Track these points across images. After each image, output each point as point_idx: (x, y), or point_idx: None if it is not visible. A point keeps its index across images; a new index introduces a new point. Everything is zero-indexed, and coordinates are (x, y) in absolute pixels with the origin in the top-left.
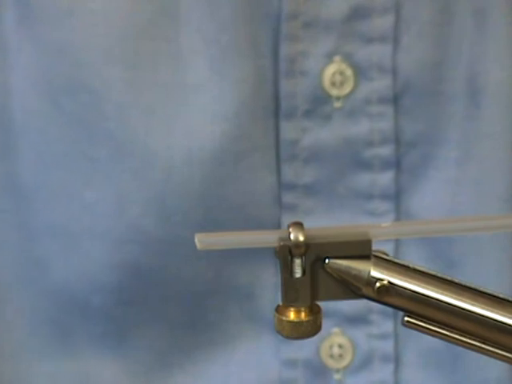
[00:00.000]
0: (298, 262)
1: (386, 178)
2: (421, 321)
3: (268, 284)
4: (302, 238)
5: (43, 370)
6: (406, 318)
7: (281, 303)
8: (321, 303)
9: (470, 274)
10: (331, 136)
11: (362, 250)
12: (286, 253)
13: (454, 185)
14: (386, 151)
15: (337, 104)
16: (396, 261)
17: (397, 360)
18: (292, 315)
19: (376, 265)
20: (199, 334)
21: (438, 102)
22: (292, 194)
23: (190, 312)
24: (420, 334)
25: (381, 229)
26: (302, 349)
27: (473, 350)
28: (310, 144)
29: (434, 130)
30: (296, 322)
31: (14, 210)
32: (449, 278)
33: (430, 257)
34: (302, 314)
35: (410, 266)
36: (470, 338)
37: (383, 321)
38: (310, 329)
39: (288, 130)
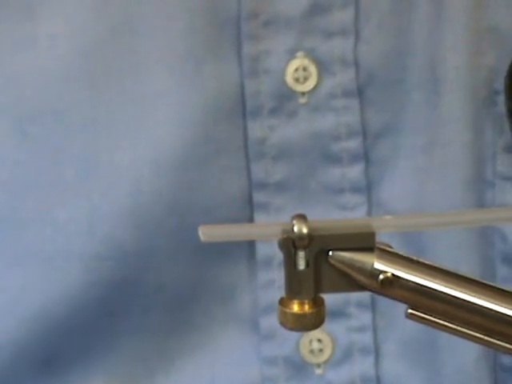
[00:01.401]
0: (301, 254)
1: (355, 171)
2: (424, 313)
3: (247, 284)
4: (305, 231)
5: None
6: (410, 311)
7: (284, 295)
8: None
9: (441, 258)
10: (298, 132)
11: (365, 242)
12: (289, 245)
13: (422, 173)
14: (354, 144)
15: (302, 100)
16: (400, 253)
17: (377, 352)
18: (295, 307)
19: (379, 257)
20: (184, 338)
21: (402, 92)
22: (263, 192)
23: (173, 318)
24: (398, 323)
25: (384, 221)
26: (282, 346)
27: (477, 342)
28: (278, 141)
29: (400, 120)
30: (300, 315)
31: None
32: (453, 270)
33: (402, 242)
34: (306, 307)
35: (414, 258)
36: (474, 331)
37: (361, 313)
38: (314, 321)
39: (255, 128)
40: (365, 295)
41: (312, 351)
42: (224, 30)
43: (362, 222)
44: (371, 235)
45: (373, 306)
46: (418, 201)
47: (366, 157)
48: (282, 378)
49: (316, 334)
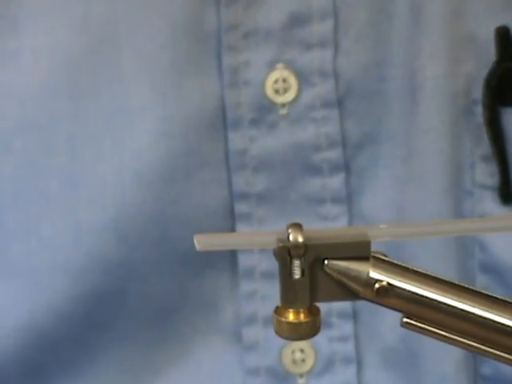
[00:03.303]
0: (296, 263)
1: (336, 182)
2: (420, 322)
3: (229, 295)
4: (300, 239)
5: None
6: (405, 320)
7: (280, 304)
8: None
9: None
10: (279, 143)
11: (360, 251)
12: (284, 254)
13: (401, 182)
14: (334, 155)
15: (282, 111)
16: (395, 262)
17: (359, 361)
18: (291, 316)
19: (375, 266)
20: (168, 349)
21: (381, 102)
22: (244, 203)
23: (157, 329)
24: (380, 333)
25: (379, 230)
26: (265, 356)
27: (472, 351)
28: (259, 152)
29: (379, 130)
30: (295, 324)
31: None
32: (448, 279)
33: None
34: (301, 316)
35: (409, 267)
36: (469, 340)
37: (343, 323)
38: (309, 330)
39: (235, 140)
40: (346, 305)
41: (294, 361)
42: (205, 42)
43: (357, 231)
44: (366, 244)
45: (354, 316)
46: (398, 211)
47: (346, 167)
48: None
49: (298, 344)
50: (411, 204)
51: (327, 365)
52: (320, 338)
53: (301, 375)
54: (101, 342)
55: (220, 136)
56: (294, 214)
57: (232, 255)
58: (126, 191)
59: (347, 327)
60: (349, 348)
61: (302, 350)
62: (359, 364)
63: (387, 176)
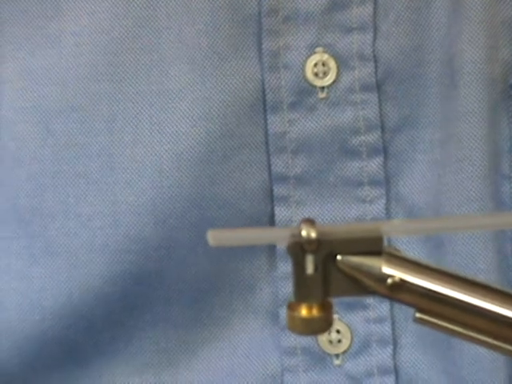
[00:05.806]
0: (309, 258)
1: (374, 165)
2: (432, 317)
3: (267, 275)
4: (313, 235)
5: (54, 380)
6: (418, 315)
7: (293, 300)
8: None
9: (458, 251)
10: (318, 126)
11: (373, 246)
12: (297, 249)
13: (439, 166)
14: (373, 138)
15: (321, 94)
16: (407, 257)
17: (395, 342)
18: (304, 312)
19: (387, 261)
20: (205, 330)
21: (420, 86)
22: (283, 185)
23: (194, 310)
24: None
25: (392, 225)
26: (301, 337)
27: (485, 346)
28: (298, 135)
29: (418, 114)
30: (308, 319)
31: (13, 236)
32: (460, 274)
33: (420, 237)
34: (314, 311)
35: (422, 262)
36: (481, 335)
37: (379, 304)
38: (322, 325)
39: (275, 123)
40: None
41: (331, 342)
42: (245, 26)
43: (370, 227)
44: (379, 239)
45: None
46: (435, 194)
47: (384, 150)
48: (301, 368)
49: (335, 324)
50: (448, 188)
51: (363, 346)
52: (356, 319)
53: (337, 356)
54: (138, 322)
55: (259, 119)
56: (331, 197)
57: None
58: (164, 173)
59: (383, 308)
60: (385, 329)
61: (338, 331)
62: (395, 345)
63: (425, 160)
